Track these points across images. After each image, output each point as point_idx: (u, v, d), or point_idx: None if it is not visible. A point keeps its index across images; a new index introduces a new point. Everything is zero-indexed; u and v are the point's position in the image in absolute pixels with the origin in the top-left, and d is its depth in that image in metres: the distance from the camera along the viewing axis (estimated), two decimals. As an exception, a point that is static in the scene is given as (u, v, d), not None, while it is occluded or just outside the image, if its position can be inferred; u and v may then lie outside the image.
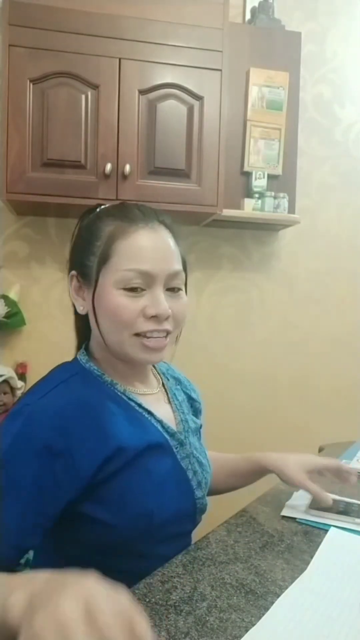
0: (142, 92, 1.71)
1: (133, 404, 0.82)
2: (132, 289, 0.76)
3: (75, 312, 0.89)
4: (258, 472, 1.01)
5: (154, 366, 0.96)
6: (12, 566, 0.67)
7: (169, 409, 0.90)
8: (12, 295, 1.90)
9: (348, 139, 2.31)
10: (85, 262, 0.80)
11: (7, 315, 1.87)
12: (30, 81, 1.62)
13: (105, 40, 1.66)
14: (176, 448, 0.84)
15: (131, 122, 1.70)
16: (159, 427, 0.82)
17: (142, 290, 0.77)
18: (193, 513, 0.86)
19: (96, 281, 0.78)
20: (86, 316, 0.85)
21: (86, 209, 0.88)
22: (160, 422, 0.83)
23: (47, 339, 1.95)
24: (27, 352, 1.94)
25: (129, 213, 0.80)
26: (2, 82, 1.63)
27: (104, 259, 0.77)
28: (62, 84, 1.65)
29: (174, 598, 0.67)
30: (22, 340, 1.97)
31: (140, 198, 1.67)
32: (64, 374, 0.80)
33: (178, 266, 0.80)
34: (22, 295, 1.93)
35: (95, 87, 1.67)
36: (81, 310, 0.82)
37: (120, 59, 1.68)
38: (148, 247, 0.77)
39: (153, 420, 0.82)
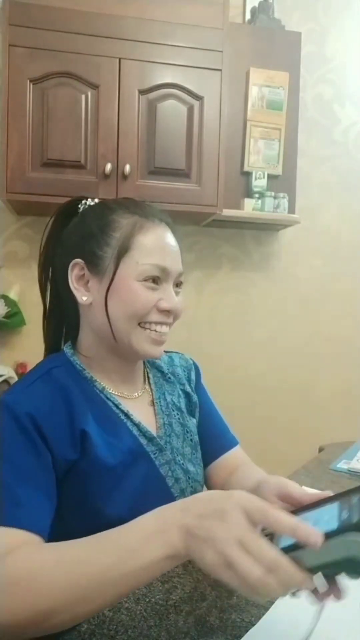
0: (142, 92, 1.71)
1: (110, 403, 0.80)
2: (153, 282, 0.78)
3: (51, 309, 0.88)
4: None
5: (145, 362, 0.93)
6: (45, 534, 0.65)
7: (151, 411, 0.87)
8: (12, 295, 1.90)
9: (348, 139, 2.31)
10: (97, 252, 0.79)
11: (7, 315, 1.87)
12: (30, 81, 1.62)
13: (105, 40, 1.67)
14: (154, 454, 0.80)
15: (131, 122, 1.71)
16: (135, 431, 0.80)
17: (158, 284, 0.79)
18: None
19: (114, 272, 0.77)
20: (71, 311, 0.84)
21: (68, 201, 0.88)
22: (137, 425, 0.80)
23: (47, 339, 1.95)
24: (27, 352, 1.94)
25: (144, 208, 0.82)
26: (2, 82, 1.63)
27: (124, 251, 0.77)
28: (62, 84, 1.65)
29: (174, 598, 0.67)
30: (22, 340, 1.97)
31: (140, 198, 1.67)
32: (47, 365, 0.80)
33: (182, 266, 0.83)
34: (22, 295, 1.93)
35: (95, 87, 1.67)
36: (84, 300, 0.80)
37: (120, 59, 1.68)
38: (166, 244, 0.80)
39: (129, 423, 0.80)
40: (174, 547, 0.51)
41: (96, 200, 0.87)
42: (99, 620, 0.62)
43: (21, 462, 0.67)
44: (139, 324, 0.78)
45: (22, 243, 1.97)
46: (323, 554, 0.46)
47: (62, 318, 0.89)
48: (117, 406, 0.80)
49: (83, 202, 0.87)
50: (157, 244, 0.79)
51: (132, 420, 0.80)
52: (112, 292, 0.77)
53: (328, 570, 0.47)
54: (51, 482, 0.69)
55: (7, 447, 0.67)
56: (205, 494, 0.54)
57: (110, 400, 0.80)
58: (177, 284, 0.83)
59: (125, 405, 0.81)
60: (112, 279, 0.77)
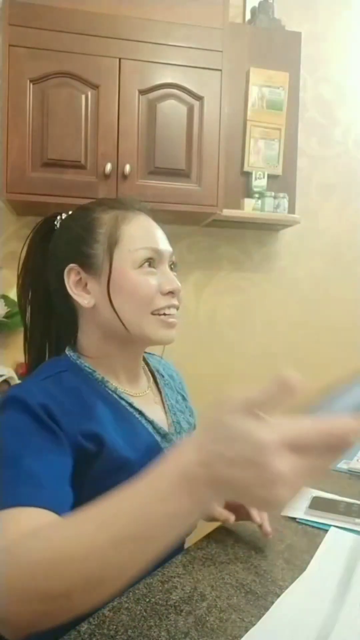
0: (142, 92, 1.71)
1: (124, 402, 0.80)
2: (150, 266, 0.79)
3: (33, 328, 0.90)
4: None
5: (146, 363, 0.94)
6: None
7: (161, 409, 0.88)
8: (12, 295, 1.90)
9: (348, 139, 2.31)
10: (88, 251, 0.79)
11: (7, 315, 1.87)
12: (30, 81, 1.62)
13: (105, 40, 1.67)
14: (168, 450, 0.81)
15: (131, 122, 1.71)
16: (150, 429, 0.81)
17: (155, 267, 0.80)
18: None
19: (110, 266, 0.78)
20: (64, 316, 0.85)
21: (43, 219, 0.90)
22: (151, 422, 0.81)
23: (47, 339, 1.95)
24: (27, 352, 1.94)
25: (122, 201, 0.84)
26: (2, 82, 1.63)
27: (114, 243, 0.78)
28: (62, 84, 1.65)
29: (174, 598, 0.67)
30: (22, 341, 1.96)
31: (140, 198, 1.67)
32: (53, 368, 0.78)
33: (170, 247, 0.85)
34: (22, 296, 1.92)
35: (95, 87, 1.67)
36: (86, 303, 0.79)
37: (120, 59, 1.68)
38: (151, 228, 0.82)
39: (144, 421, 0.80)
40: (201, 502, 0.46)
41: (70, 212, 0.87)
42: (99, 620, 0.62)
43: (40, 447, 0.65)
44: (151, 313, 0.79)
45: (22, 243, 1.96)
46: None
47: (48, 332, 0.91)
48: (130, 405, 0.81)
49: (58, 217, 0.88)
50: (143, 230, 0.81)
51: (146, 418, 0.81)
52: (113, 287, 0.78)
53: None
54: (69, 467, 0.67)
55: (24, 437, 0.65)
56: (217, 426, 0.45)
57: (123, 399, 0.80)
58: (171, 267, 0.84)
59: (138, 404, 0.82)
60: (110, 273, 0.78)
